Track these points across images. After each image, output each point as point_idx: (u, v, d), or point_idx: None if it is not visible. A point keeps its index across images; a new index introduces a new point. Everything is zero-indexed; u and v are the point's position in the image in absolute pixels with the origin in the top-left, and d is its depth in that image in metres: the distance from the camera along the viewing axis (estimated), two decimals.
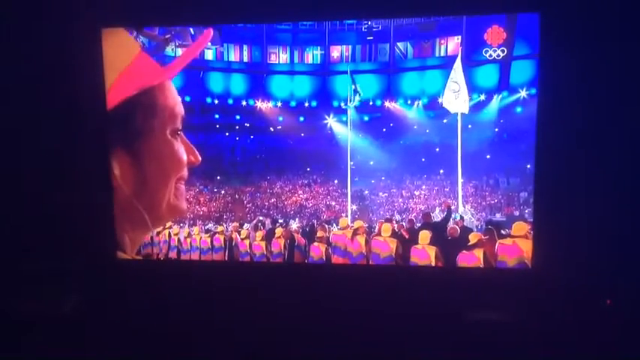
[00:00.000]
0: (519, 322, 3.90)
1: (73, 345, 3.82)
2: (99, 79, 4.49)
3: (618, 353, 3.54)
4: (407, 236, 5.38)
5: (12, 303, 4.20)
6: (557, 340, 3.69)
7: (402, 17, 4.21)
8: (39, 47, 4.45)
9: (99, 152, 4.54)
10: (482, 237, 4.79)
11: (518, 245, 4.46)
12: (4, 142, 4.58)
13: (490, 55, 4.18)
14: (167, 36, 5.21)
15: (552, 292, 4.00)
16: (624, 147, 3.91)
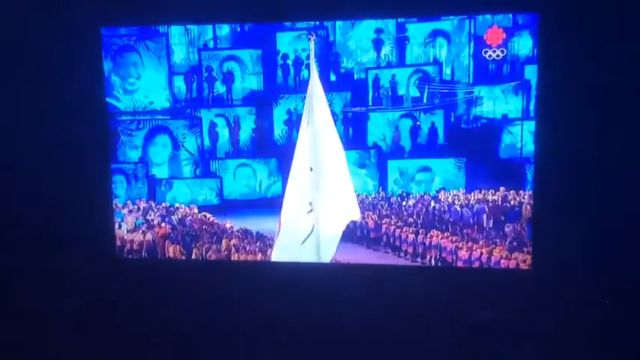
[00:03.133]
0: (518, 322, 3.90)
1: (74, 343, 3.82)
2: (99, 79, 4.57)
3: (618, 353, 3.54)
4: None
5: (12, 301, 4.20)
6: (557, 339, 3.69)
7: (400, 17, 4.21)
8: (39, 47, 4.46)
9: (99, 152, 4.61)
10: None
11: None
12: (4, 142, 4.60)
13: (490, 56, 4.18)
14: None
15: (552, 292, 4.02)
16: (624, 147, 3.91)
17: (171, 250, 4.70)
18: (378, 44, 4.42)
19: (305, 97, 4.50)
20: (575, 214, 4.02)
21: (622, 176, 3.92)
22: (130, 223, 4.75)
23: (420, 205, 4.48)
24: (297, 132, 4.59)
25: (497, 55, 4.21)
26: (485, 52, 4.23)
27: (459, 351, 3.77)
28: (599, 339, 3.64)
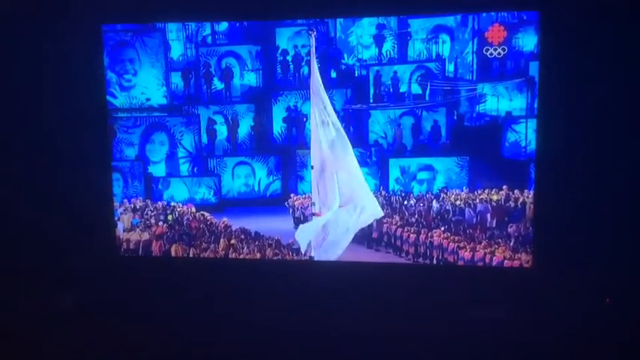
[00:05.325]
0: (519, 321, 3.88)
1: (73, 343, 3.77)
2: (99, 78, 4.52)
3: (617, 352, 3.53)
4: None
5: (11, 301, 4.16)
6: (557, 339, 3.67)
7: (401, 16, 4.19)
8: (39, 47, 4.42)
9: (99, 151, 4.57)
10: None
11: None
12: (5, 141, 4.54)
13: (491, 54, 4.16)
14: None
15: (552, 291, 3.99)
16: (624, 146, 3.88)
17: (171, 250, 4.66)
18: (379, 40, 4.38)
19: (304, 94, 4.48)
20: (575, 214, 3.99)
21: (622, 175, 3.90)
22: (127, 223, 4.69)
23: (421, 205, 4.43)
24: (297, 130, 4.58)
25: (499, 54, 4.19)
26: (487, 50, 4.21)
27: (459, 349, 3.74)
28: (598, 338, 3.62)
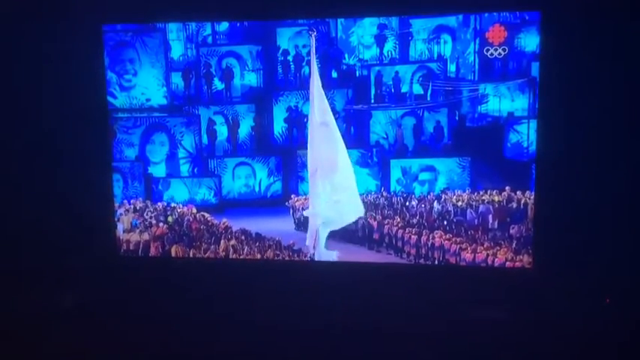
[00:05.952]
0: (519, 321, 3.89)
1: (73, 343, 3.77)
2: (99, 78, 4.51)
3: (617, 352, 3.53)
4: None
5: (11, 301, 4.16)
6: (557, 339, 3.67)
7: (402, 16, 4.20)
8: (39, 47, 4.42)
9: (100, 152, 4.57)
10: None
11: None
12: (5, 141, 4.55)
13: (491, 54, 4.16)
14: None
15: (552, 291, 4.00)
16: (625, 147, 3.89)
17: (171, 251, 4.65)
18: (380, 40, 4.37)
19: (305, 94, 4.45)
20: (575, 214, 4.00)
21: (623, 175, 3.91)
22: (127, 223, 4.69)
23: (423, 206, 4.43)
24: (298, 130, 4.56)
25: (499, 54, 4.19)
26: (487, 51, 4.21)
27: (459, 349, 3.74)
28: (598, 338, 3.63)
